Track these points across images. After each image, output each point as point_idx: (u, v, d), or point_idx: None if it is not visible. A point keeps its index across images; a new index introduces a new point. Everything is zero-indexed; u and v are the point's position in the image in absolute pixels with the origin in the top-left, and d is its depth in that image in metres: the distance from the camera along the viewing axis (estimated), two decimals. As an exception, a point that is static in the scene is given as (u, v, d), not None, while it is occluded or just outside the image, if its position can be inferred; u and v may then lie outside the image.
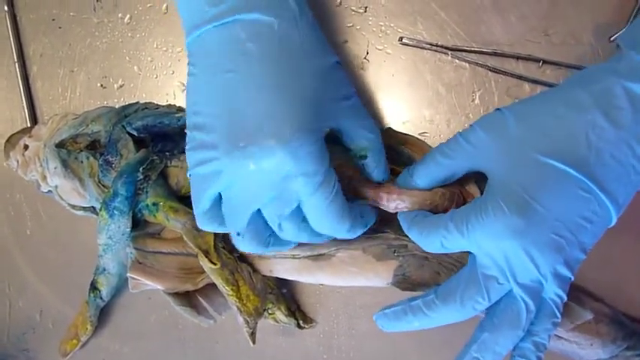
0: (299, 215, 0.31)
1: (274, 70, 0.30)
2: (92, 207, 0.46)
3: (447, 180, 0.34)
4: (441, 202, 0.35)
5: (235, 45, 0.30)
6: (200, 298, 0.42)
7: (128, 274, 0.41)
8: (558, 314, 0.32)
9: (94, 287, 0.46)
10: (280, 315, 0.42)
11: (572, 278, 0.31)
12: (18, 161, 0.47)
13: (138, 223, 0.43)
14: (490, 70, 0.40)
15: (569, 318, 0.37)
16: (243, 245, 0.33)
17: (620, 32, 0.37)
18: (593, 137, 0.29)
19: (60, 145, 0.44)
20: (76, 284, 0.50)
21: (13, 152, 0.47)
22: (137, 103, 0.45)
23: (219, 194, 0.32)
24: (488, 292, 0.31)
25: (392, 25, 0.42)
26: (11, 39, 0.51)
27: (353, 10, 0.42)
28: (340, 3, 0.42)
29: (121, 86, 0.49)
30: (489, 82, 0.40)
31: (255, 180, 0.30)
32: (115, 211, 0.40)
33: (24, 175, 0.47)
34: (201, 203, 0.32)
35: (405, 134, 0.39)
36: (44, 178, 0.46)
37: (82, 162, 0.44)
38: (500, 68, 0.40)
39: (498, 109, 0.32)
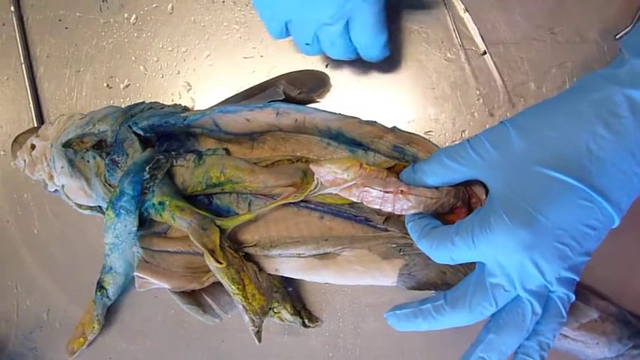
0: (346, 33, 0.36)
1: None
2: (99, 206, 0.46)
3: (450, 182, 0.35)
4: (447, 200, 0.35)
5: None
6: (206, 297, 0.43)
7: (135, 273, 0.41)
8: (565, 314, 0.32)
9: (100, 286, 0.46)
10: (286, 314, 0.42)
11: (578, 279, 0.31)
12: (25, 161, 0.47)
13: (144, 223, 0.43)
14: (496, 68, 0.40)
15: (575, 317, 0.37)
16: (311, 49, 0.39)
17: (626, 31, 0.37)
18: (594, 147, 0.29)
19: (67, 145, 0.45)
20: (83, 283, 0.50)
21: (20, 152, 0.48)
22: (143, 102, 0.46)
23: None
24: (495, 299, 0.32)
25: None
26: (18, 40, 0.52)
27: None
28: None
29: (127, 86, 0.49)
30: (495, 80, 0.40)
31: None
32: (122, 211, 0.41)
33: (31, 175, 0.48)
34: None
35: (411, 133, 0.39)
36: (51, 177, 0.46)
37: (88, 161, 0.44)
38: (506, 67, 0.40)
39: (502, 122, 0.32)
